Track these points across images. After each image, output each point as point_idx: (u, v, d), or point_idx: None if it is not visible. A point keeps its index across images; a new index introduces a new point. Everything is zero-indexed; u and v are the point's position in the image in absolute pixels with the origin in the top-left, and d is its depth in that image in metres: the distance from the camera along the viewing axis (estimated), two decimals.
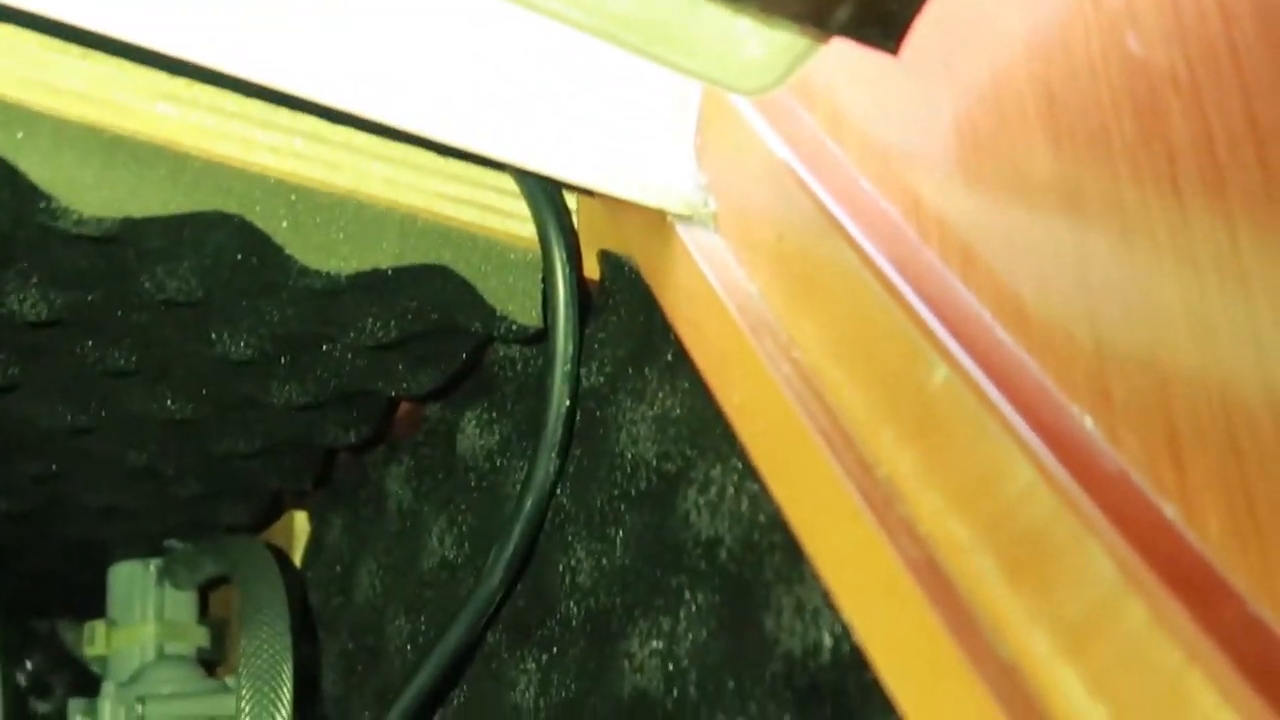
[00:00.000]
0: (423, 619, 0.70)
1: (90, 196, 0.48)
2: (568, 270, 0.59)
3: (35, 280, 0.54)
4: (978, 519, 0.36)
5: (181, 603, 0.96)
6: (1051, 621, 0.33)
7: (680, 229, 0.54)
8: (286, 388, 0.66)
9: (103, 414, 0.69)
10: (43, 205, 0.48)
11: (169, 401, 0.67)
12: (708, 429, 0.51)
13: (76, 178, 0.48)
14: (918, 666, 0.36)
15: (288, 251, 0.53)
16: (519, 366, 0.67)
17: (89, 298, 0.56)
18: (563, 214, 0.60)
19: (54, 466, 0.77)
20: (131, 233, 0.50)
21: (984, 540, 0.36)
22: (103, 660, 0.95)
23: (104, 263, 0.53)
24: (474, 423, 0.69)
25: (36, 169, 0.47)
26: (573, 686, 0.56)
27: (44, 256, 0.53)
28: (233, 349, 0.60)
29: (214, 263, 0.54)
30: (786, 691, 0.44)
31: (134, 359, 0.62)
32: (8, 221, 0.49)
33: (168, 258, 0.53)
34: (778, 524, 0.46)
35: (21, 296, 0.54)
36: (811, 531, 0.41)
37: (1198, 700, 0.29)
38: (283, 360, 0.63)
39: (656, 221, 0.55)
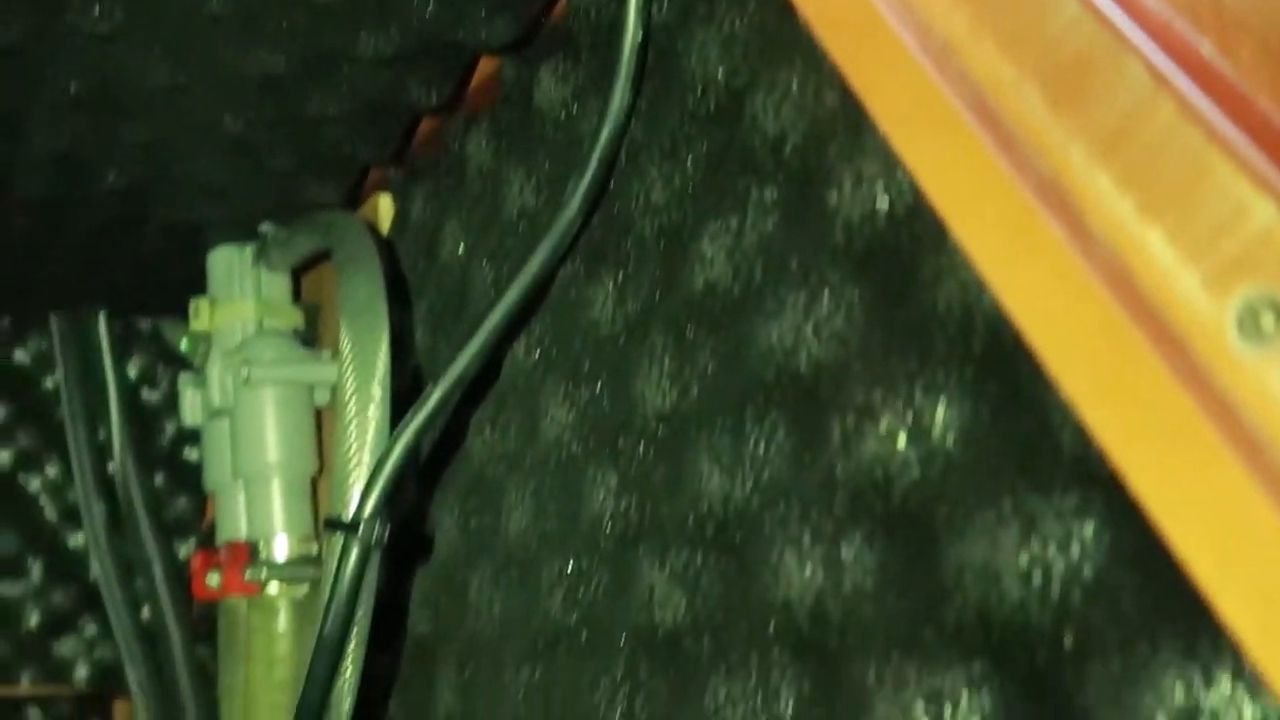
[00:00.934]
0: (505, 264, 0.75)
1: None
2: None
3: None
4: (1025, 56, 0.39)
5: (277, 283, 1.02)
6: (1087, 133, 0.36)
7: None
8: (372, 39, 0.69)
9: (199, 70, 0.72)
10: None
11: (262, 53, 0.70)
12: (775, 40, 0.54)
13: None
14: (968, 190, 0.39)
15: None
16: (592, 15, 0.69)
17: None
18: None
19: (155, 133, 0.81)
20: None
21: (1030, 74, 0.39)
22: (206, 339, 1.02)
23: None
24: (549, 75, 0.72)
25: None
26: (646, 294, 0.60)
27: None
28: None
29: None
30: (845, 259, 0.48)
31: (229, 4, 0.65)
32: None
33: None
34: (840, 110, 0.49)
35: None
36: (874, 92, 0.44)
37: (1216, 171, 0.32)
38: (368, 5, 0.66)
39: None
